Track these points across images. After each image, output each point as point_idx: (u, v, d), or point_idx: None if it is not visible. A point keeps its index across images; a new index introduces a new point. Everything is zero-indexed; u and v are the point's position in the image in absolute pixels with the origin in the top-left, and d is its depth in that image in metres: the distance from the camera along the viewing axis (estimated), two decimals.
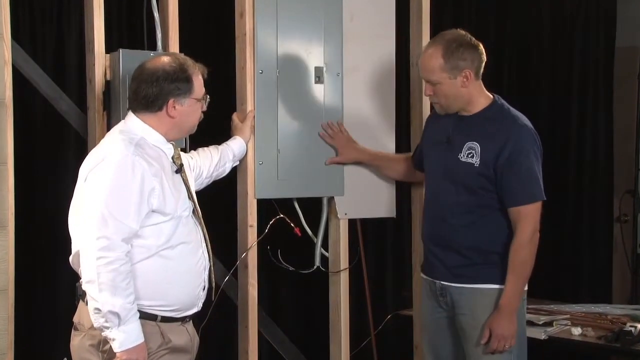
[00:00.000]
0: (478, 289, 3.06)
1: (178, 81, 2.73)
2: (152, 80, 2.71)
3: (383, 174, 3.61)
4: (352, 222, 3.80)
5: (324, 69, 3.51)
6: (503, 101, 3.15)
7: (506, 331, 2.99)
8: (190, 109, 2.78)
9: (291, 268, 3.53)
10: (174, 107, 2.74)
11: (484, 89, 3.13)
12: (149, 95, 2.72)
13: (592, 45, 5.35)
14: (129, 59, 3.11)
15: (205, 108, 2.85)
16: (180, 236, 2.72)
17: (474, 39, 3.08)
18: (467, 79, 3.04)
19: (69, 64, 4.01)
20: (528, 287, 3.12)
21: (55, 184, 3.96)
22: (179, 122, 2.78)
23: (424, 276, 3.27)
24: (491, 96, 3.13)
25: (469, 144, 3.06)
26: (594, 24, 5.35)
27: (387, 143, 3.67)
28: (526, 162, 3.00)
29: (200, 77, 2.80)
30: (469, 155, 3.05)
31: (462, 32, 3.09)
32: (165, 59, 2.77)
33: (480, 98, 3.11)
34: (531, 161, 3.01)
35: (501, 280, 3.02)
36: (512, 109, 3.12)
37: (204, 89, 2.82)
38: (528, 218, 3.00)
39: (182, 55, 2.91)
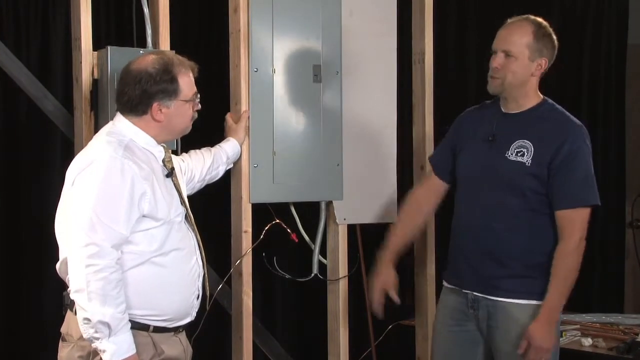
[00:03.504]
0: (514, 304, 3.03)
1: (162, 83, 2.72)
2: (134, 83, 2.71)
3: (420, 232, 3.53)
4: (351, 228, 3.81)
5: (322, 67, 3.52)
6: (553, 101, 3.13)
7: (545, 343, 2.96)
8: (177, 111, 2.77)
9: (287, 276, 3.54)
10: (160, 110, 2.74)
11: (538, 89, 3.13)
12: (132, 98, 2.72)
13: (603, 42, 5.37)
14: (118, 56, 3.11)
15: (199, 107, 2.85)
16: (173, 242, 2.73)
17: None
18: (540, 68, 3.05)
19: (54, 62, 4.02)
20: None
21: (40, 187, 3.97)
22: (167, 125, 2.78)
23: (449, 286, 3.22)
24: (542, 95, 3.12)
25: (519, 142, 3.03)
26: (604, 20, 5.37)
27: (388, 145, 3.68)
28: (583, 163, 2.99)
29: (188, 76, 2.79)
30: (519, 154, 3.01)
31: (547, 24, 3.10)
32: (150, 59, 2.75)
33: (534, 95, 3.10)
34: (588, 163, 3.01)
35: (539, 296, 3.00)
36: (564, 109, 3.11)
37: (194, 89, 2.81)
38: (576, 223, 2.97)
39: (171, 53, 2.92)
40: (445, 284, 3.27)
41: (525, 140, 3.03)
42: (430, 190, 3.35)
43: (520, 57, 3.03)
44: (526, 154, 3.01)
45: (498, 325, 3.06)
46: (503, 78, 3.06)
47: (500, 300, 3.05)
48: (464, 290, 3.14)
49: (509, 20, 3.13)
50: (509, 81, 3.05)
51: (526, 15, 3.11)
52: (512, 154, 3.04)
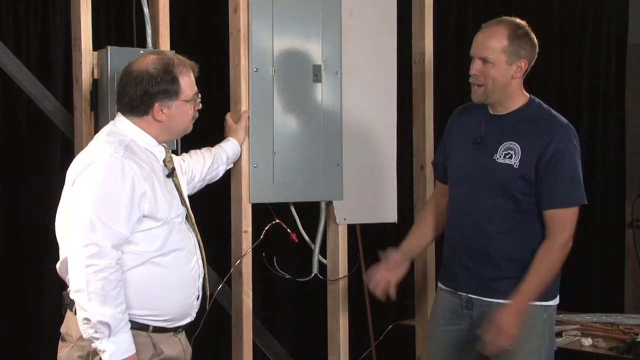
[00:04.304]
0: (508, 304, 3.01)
1: (163, 84, 2.72)
2: (135, 84, 2.71)
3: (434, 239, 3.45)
4: (351, 228, 3.81)
5: (322, 67, 3.52)
6: (540, 100, 3.13)
7: (506, 327, 2.92)
8: (178, 111, 2.78)
9: (287, 276, 3.54)
10: (161, 110, 2.74)
11: (523, 88, 3.12)
12: (133, 99, 2.72)
13: (603, 42, 5.36)
14: (118, 56, 3.12)
15: (200, 106, 2.85)
16: (173, 243, 2.73)
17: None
18: (520, 70, 3.03)
19: (54, 62, 4.03)
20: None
21: (40, 187, 3.98)
22: (168, 125, 2.78)
23: (444, 287, 3.22)
24: (528, 95, 3.12)
25: (506, 144, 3.03)
26: (604, 20, 5.37)
27: (387, 145, 3.68)
28: (570, 163, 2.99)
29: (189, 76, 2.79)
30: (507, 156, 3.01)
31: (524, 23, 3.08)
32: (150, 59, 2.75)
33: (519, 96, 3.09)
34: (575, 162, 3.00)
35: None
36: (551, 108, 3.10)
37: (194, 88, 2.81)
38: (565, 223, 2.98)
39: (171, 53, 2.91)
40: (440, 285, 3.27)
41: (512, 142, 3.02)
42: (444, 194, 3.29)
43: (497, 63, 3.01)
44: (514, 156, 3.01)
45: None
46: (486, 85, 3.05)
47: (495, 301, 3.05)
48: (459, 293, 3.14)
49: (484, 24, 3.10)
50: (490, 88, 3.05)
51: (502, 18, 3.09)
52: (500, 157, 3.03)
